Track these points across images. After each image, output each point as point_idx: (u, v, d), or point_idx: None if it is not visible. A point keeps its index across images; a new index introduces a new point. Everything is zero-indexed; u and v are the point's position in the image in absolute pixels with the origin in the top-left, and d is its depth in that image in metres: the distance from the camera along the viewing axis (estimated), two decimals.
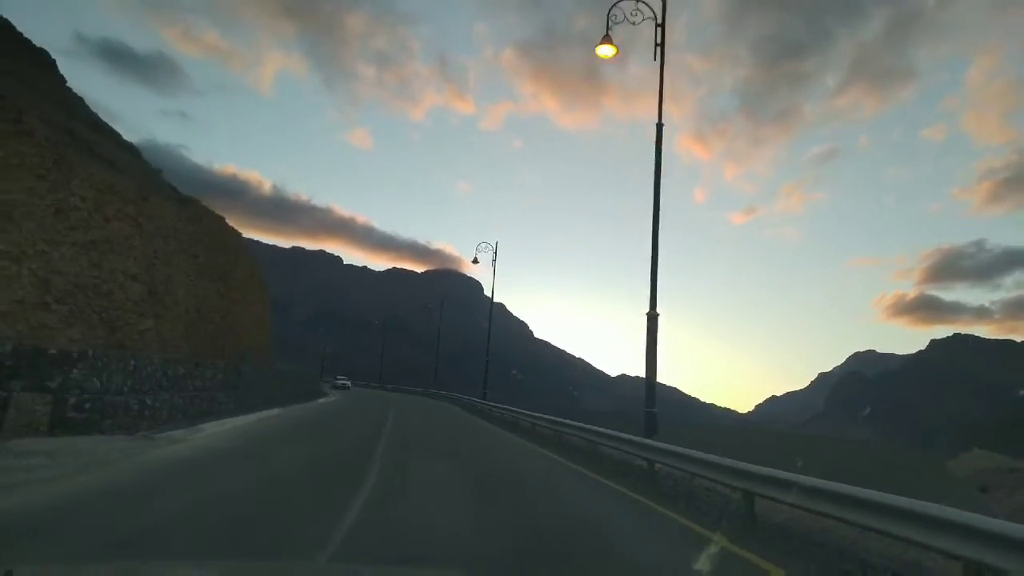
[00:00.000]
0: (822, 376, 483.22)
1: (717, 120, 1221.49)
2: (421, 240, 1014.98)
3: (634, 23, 18.83)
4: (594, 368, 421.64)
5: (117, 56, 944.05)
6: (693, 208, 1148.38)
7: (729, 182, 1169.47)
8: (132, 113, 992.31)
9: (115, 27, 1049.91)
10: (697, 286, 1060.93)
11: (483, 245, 31.14)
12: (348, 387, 66.30)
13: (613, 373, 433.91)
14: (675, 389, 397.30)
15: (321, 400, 36.65)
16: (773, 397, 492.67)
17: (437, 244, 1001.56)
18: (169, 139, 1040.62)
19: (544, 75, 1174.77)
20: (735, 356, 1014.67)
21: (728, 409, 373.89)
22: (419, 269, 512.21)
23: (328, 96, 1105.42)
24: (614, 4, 18.65)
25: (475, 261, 36.17)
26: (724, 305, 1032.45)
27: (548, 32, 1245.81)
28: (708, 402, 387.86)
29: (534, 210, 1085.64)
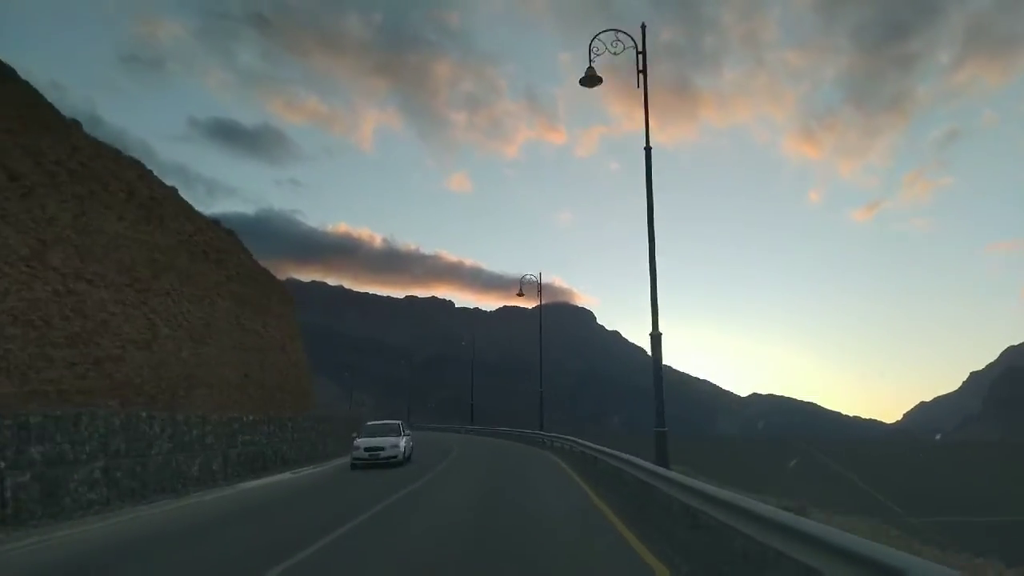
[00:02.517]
0: (974, 376, 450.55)
1: (824, 115, 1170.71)
2: (530, 276, 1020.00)
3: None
4: (721, 389, 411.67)
5: (228, 134, 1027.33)
6: (809, 210, 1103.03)
7: (845, 178, 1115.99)
8: (248, 186, 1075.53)
9: (223, 107, 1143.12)
10: (822, 293, 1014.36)
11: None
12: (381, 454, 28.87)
13: (743, 393, 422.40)
14: (812, 404, 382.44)
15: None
16: (923, 403, 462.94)
17: (546, 278, 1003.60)
18: (284, 206, 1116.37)
19: (634, 94, 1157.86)
20: (873, 363, 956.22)
21: (873, 420, 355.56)
22: (530, 305, 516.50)
23: (424, 145, 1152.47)
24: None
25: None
26: (854, 310, 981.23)
27: (634, 49, 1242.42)
28: (851, 415, 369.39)
29: (639, 232, 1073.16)
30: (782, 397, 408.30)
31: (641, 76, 19.25)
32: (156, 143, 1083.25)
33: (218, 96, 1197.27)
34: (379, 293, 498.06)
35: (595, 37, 19.14)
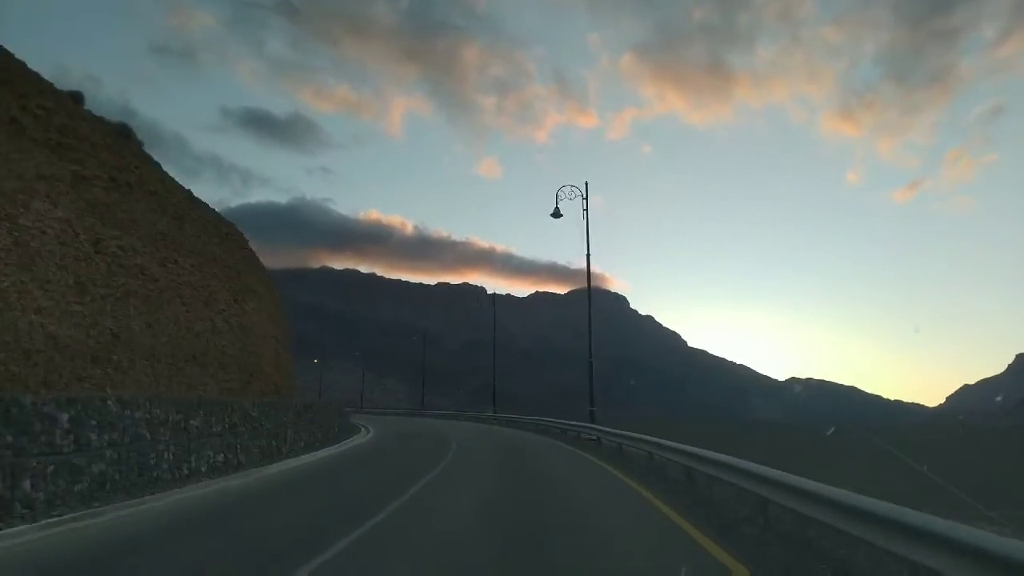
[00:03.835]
0: (1021, 358, 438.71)
1: (863, 92, 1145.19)
2: (561, 261, 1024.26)
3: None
4: (758, 373, 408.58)
5: (260, 123, 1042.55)
6: (847, 191, 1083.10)
7: (885, 157, 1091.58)
8: (280, 175, 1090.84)
9: (254, 96, 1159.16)
10: (862, 275, 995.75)
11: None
12: None
13: (781, 377, 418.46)
14: (852, 388, 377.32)
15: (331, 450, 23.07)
16: (966, 386, 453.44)
17: (578, 263, 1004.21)
18: (316, 194, 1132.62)
19: (667, 75, 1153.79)
20: (915, 346, 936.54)
21: (916, 404, 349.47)
22: (562, 291, 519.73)
23: (454, 131, 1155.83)
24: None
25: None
26: (895, 291, 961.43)
27: (665, 30, 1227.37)
28: (892, 399, 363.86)
29: (672, 215, 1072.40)
30: (821, 380, 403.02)
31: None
32: (189, 134, 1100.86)
33: (249, 85, 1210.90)
34: (411, 280, 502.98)
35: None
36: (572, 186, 29.84)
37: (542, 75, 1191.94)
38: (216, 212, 21.96)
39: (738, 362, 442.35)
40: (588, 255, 29.92)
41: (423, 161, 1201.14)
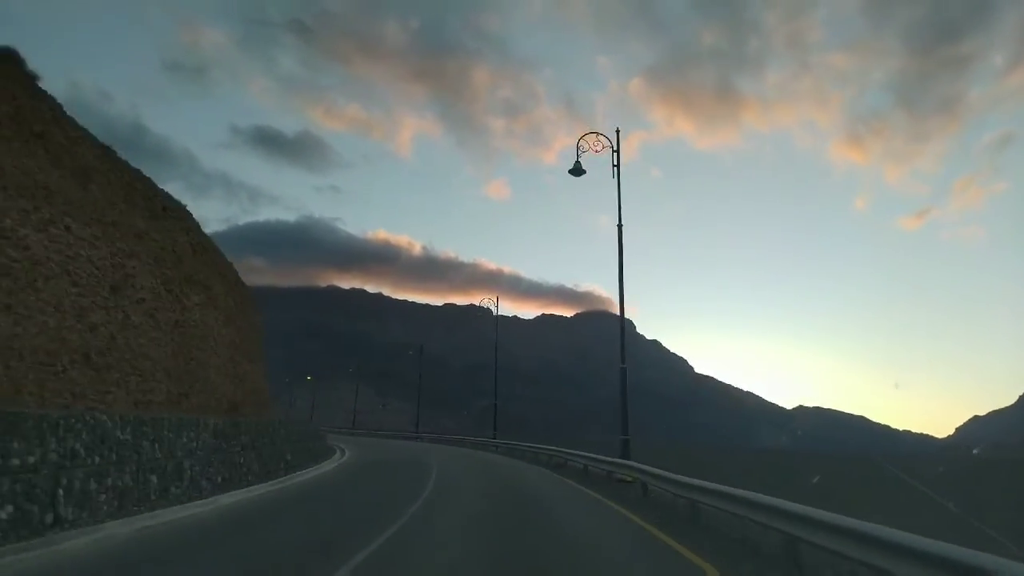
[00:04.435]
0: None
1: (871, 119, 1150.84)
2: (568, 284, 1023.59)
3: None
4: (765, 401, 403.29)
5: (269, 141, 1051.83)
6: (855, 217, 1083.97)
7: (893, 185, 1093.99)
8: (289, 193, 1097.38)
9: (264, 114, 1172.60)
10: (870, 303, 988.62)
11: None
12: None
13: (788, 406, 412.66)
14: (860, 417, 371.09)
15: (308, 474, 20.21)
16: (976, 418, 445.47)
17: (584, 286, 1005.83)
18: (324, 213, 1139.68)
19: (675, 98, 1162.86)
20: (923, 376, 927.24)
21: (925, 435, 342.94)
22: (569, 313, 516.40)
23: (463, 152, 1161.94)
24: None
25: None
26: (903, 320, 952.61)
27: (674, 53, 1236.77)
28: (900, 429, 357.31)
29: (680, 239, 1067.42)
30: (829, 410, 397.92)
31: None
32: (199, 151, 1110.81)
33: (260, 103, 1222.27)
34: (418, 301, 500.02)
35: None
36: (599, 133, 22.77)
37: (551, 97, 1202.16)
38: (154, 183, 17.02)
39: (745, 389, 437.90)
40: (620, 225, 22.58)
41: (432, 181, 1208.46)
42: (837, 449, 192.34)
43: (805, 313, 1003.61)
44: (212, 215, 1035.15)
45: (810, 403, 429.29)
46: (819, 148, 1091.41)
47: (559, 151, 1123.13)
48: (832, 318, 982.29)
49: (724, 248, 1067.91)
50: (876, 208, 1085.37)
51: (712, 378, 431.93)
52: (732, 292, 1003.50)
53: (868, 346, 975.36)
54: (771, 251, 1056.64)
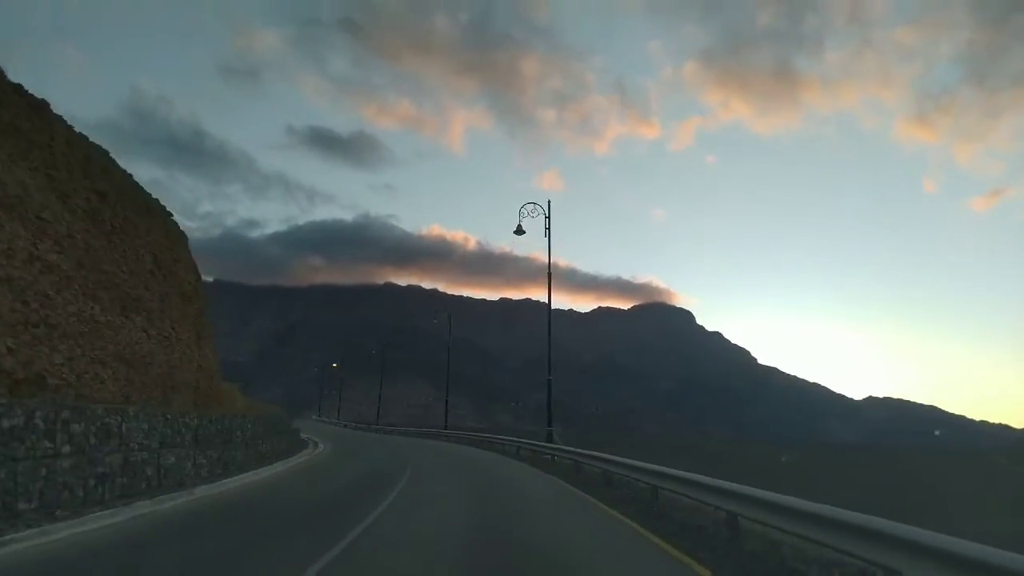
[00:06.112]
0: None
1: (939, 96, 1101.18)
2: (625, 276, 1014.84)
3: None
4: (833, 393, 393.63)
5: (324, 141, 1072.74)
6: (923, 199, 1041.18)
7: (964, 164, 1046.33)
8: (345, 192, 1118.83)
9: (318, 115, 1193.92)
10: (940, 287, 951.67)
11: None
12: None
13: (858, 396, 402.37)
14: (933, 407, 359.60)
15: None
16: None
17: (642, 278, 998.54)
18: (380, 211, 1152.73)
19: (731, 81, 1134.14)
20: (999, 363, 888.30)
21: (1002, 425, 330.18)
22: (625, 306, 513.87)
23: (514, 144, 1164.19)
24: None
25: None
26: (976, 305, 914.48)
27: (729, 35, 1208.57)
28: (976, 419, 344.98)
29: (739, 227, 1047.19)
30: (900, 400, 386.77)
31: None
32: (257, 152, 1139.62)
33: (313, 103, 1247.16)
34: (473, 296, 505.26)
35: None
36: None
37: (602, 85, 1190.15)
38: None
39: (811, 380, 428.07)
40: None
41: (484, 175, 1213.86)
42: (910, 441, 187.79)
43: (872, 299, 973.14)
44: (272, 216, 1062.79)
45: (880, 393, 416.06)
46: (884, 128, 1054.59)
47: (611, 140, 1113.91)
48: (901, 304, 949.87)
49: (785, 234, 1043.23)
50: (946, 189, 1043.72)
51: (776, 369, 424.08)
52: (795, 280, 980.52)
53: (939, 334, 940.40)
54: (835, 236, 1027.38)
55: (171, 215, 20.86)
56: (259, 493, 14.34)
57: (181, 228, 22.34)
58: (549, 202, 29.78)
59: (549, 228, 29.32)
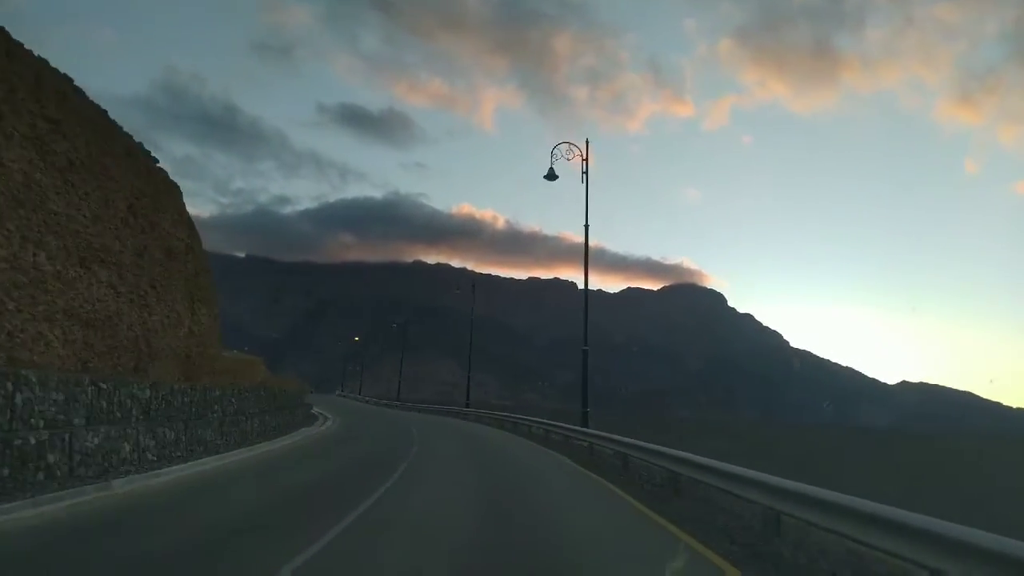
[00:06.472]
0: None
1: (984, 75, 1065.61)
2: (655, 256, 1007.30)
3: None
4: (866, 377, 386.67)
5: (355, 119, 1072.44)
6: (965, 181, 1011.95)
7: (1009, 146, 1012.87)
8: (376, 170, 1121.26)
9: (350, 92, 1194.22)
10: (979, 273, 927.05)
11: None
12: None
13: (891, 381, 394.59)
14: (968, 393, 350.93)
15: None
16: None
17: (672, 259, 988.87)
18: (410, 189, 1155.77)
19: (768, 59, 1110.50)
20: None
21: None
22: (655, 287, 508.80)
23: (545, 123, 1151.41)
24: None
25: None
26: (1013, 290, 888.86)
27: (767, 11, 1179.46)
28: (1014, 406, 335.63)
29: (774, 208, 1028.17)
30: (934, 385, 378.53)
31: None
32: (289, 129, 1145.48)
33: (345, 81, 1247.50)
34: (502, 275, 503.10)
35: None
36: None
37: (636, 63, 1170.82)
38: None
39: (844, 364, 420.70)
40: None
41: (514, 154, 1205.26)
42: (944, 427, 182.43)
43: (909, 282, 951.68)
44: (304, 193, 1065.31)
45: (915, 378, 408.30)
46: (926, 108, 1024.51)
47: (644, 119, 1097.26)
48: (938, 287, 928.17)
49: (821, 216, 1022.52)
50: (988, 171, 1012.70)
51: (809, 352, 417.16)
52: (830, 262, 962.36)
53: (977, 318, 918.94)
54: (872, 218, 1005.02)
55: (157, 162, 18.26)
56: (198, 489, 10.99)
57: (173, 180, 19.72)
58: (587, 141, 25.43)
59: (587, 173, 25.32)
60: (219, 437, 16.33)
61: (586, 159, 25.14)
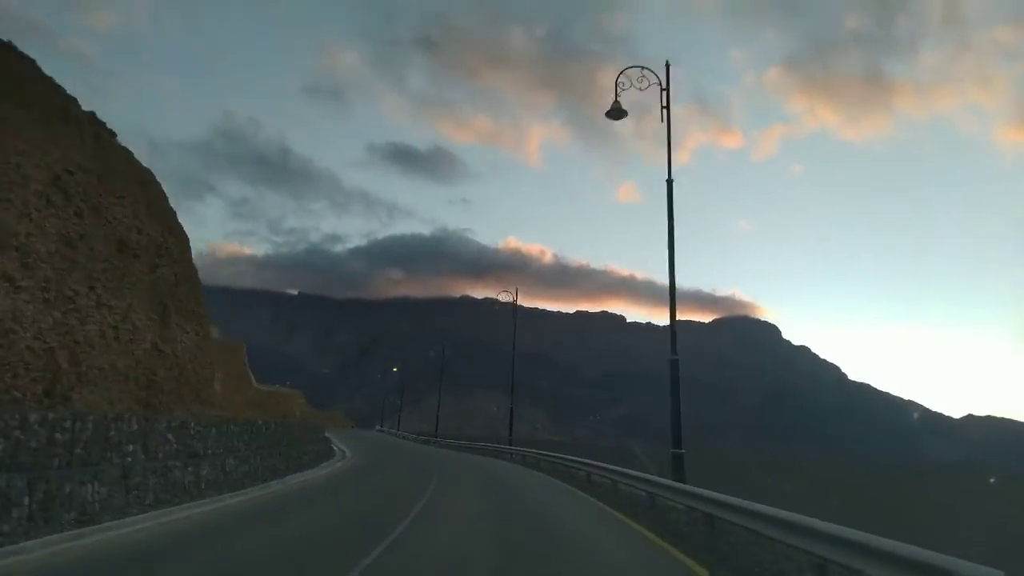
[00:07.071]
0: None
1: None
2: (706, 288, 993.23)
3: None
4: (930, 410, 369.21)
5: (403, 157, 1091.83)
6: None
7: None
8: (423, 206, 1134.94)
9: (397, 132, 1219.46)
10: None
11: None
12: None
13: (956, 415, 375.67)
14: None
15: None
16: None
17: (723, 291, 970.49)
18: (457, 225, 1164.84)
19: (817, 87, 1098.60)
20: None
21: None
22: (706, 319, 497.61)
23: (591, 156, 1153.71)
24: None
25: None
26: None
27: (814, 40, 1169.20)
28: None
29: (827, 238, 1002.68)
30: (1003, 419, 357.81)
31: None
32: (339, 169, 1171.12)
33: (393, 120, 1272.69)
34: (549, 308, 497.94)
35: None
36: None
37: (682, 94, 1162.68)
38: None
39: (906, 397, 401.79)
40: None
41: (560, 188, 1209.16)
42: (1013, 462, 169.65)
43: (970, 314, 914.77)
44: (354, 230, 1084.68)
45: (981, 411, 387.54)
46: (983, 133, 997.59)
47: (692, 150, 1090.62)
48: (1004, 318, 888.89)
49: (878, 246, 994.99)
50: None
51: (868, 386, 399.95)
52: (888, 293, 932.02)
53: None
54: (930, 247, 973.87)
55: (114, 135, 14.70)
56: None
57: (145, 165, 16.30)
58: (668, 63, 18.94)
59: (667, 107, 18.59)
60: (114, 495, 9.73)
61: (666, 89, 18.58)
